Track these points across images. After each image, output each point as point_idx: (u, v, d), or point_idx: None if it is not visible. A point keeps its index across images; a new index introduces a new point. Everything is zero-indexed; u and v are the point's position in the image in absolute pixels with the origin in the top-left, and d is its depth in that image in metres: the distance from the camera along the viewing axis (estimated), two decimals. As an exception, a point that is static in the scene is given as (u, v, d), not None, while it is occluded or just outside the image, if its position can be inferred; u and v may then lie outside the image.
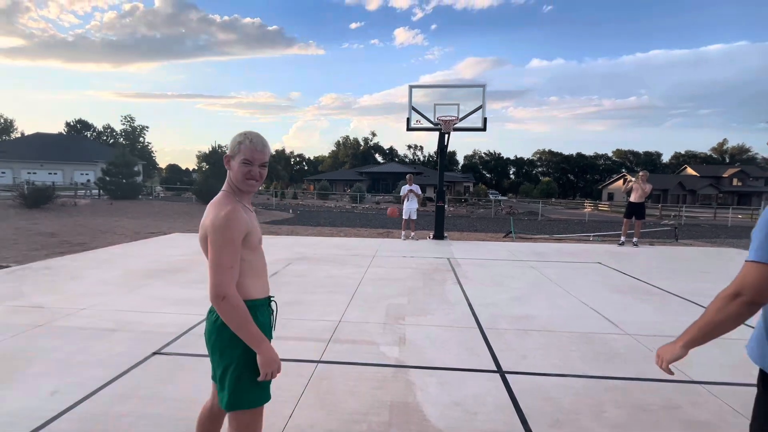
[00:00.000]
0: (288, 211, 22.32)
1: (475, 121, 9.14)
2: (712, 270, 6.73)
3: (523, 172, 78.99)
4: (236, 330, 1.36)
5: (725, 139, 77.01)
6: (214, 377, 1.53)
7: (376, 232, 12.39)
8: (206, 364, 2.89)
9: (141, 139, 66.40)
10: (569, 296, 4.86)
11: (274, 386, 2.59)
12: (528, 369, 2.93)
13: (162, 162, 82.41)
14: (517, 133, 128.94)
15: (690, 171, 59.77)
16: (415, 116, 9.28)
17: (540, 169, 79.80)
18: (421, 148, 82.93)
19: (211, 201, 1.46)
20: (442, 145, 9.41)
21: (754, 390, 1.24)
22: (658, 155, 78.33)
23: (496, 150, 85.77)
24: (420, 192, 9.54)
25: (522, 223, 18.79)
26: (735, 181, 54.20)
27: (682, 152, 76.86)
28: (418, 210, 9.61)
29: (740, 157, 69.23)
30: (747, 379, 2.77)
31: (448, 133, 9.11)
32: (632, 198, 8.81)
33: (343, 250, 7.96)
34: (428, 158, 78.87)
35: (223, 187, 1.49)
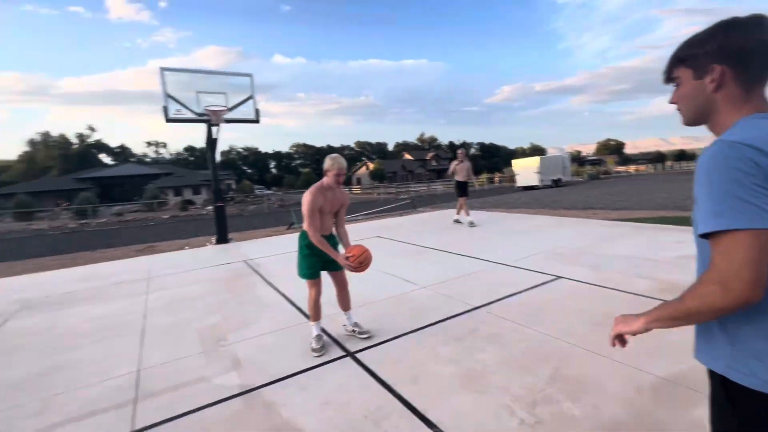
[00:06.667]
0: (-43, 245, 14.59)
1: (246, 113, 8.61)
2: (449, 226, 9.04)
3: (283, 165, 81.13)
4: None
5: (423, 132, 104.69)
6: None
7: (133, 250, 9.92)
8: None
9: None
10: (371, 270, 5.46)
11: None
12: (374, 342, 3.13)
13: None
14: (273, 128, 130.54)
15: (408, 156, 77.58)
16: (174, 106, 7.82)
17: (298, 161, 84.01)
18: (165, 144, 71.55)
19: None
20: (211, 139, 8.40)
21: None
22: (385, 144, 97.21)
23: (254, 145, 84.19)
24: None
25: (299, 214, 19.43)
26: (434, 162, 74.20)
27: (401, 141, 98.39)
28: None
29: (433, 143, 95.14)
30: (514, 289, 3.92)
31: (218, 125, 8.22)
32: (458, 177, 8.81)
33: (96, 281, 6.01)
34: (177, 156, 69.08)
35: None
